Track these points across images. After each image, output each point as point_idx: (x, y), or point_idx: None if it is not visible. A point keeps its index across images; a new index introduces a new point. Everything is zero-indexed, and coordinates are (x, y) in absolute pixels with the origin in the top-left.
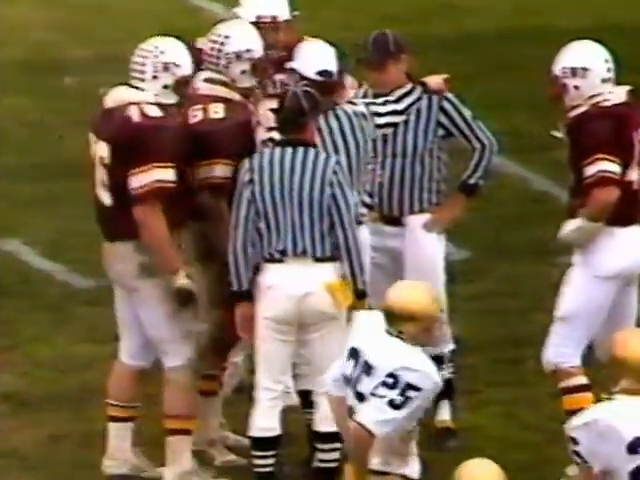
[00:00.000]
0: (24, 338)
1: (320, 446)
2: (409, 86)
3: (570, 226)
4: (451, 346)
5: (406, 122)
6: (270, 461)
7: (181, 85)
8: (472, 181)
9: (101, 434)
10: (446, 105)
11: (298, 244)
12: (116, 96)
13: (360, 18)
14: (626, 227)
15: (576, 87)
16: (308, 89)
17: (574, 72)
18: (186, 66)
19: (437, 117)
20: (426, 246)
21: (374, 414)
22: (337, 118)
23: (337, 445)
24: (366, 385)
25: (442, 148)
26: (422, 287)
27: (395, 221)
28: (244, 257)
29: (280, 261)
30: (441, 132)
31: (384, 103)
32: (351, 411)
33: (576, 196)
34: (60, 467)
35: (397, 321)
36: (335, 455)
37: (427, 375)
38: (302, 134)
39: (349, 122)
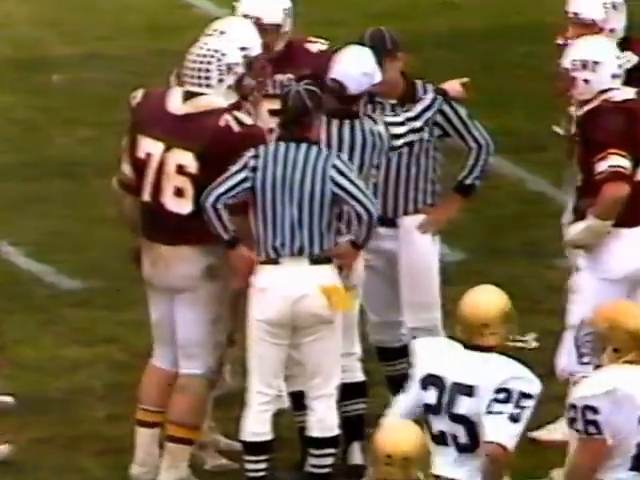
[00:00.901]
0: (10, 340)
1: (313, 451)
2: (430, 98)
3: (578, 227)
4: None
5: None
6: (262, 466)
7: (240, 84)
8: (468, 182)
9: (88, 437)
10: (442, 104)
11: (295, 240)
12: (198, 103)
13: (349, 15)
14: (634, 228)
15: (586, 81)
16: (311, 87)
17: (585, 65)
18: (241, 64)
19: (433, 117)
20: (421, 247)
21: (503, 430)
22: (352, 130)
23: (331, 450)
24: (470, 406)
25: (437, 148)
26: (494, 289)
27: (389, 222)
28: (222, 209)
29: (275, 262)
30: (437, 132)
31: (403, 123)
32: (444, 437)
33: (584, 196)
34: (46, 471)
35: (493, 327)
36: (328, 461)
37: (532, 379)
38: (307, 133)
39: (362, 138)
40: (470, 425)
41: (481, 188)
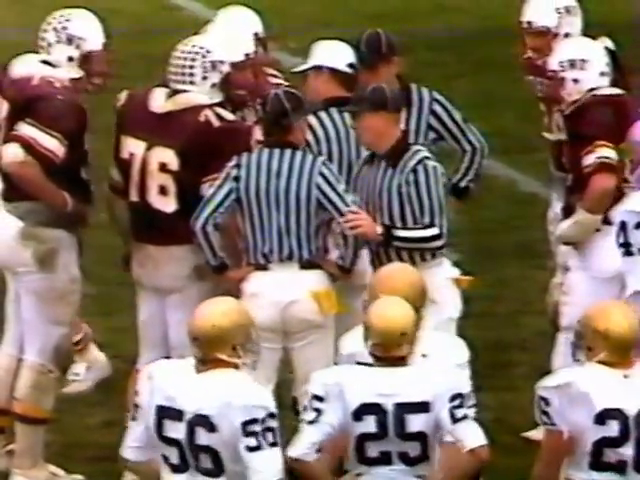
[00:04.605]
0: None
1: None
2: None
3: (568, 222)
4: None
5: None
6: None
7: (225, 82)
8: (463, 184)
9: (81, 444)
10: (437, 108)
11: (284, 247)
12: (179, 100)
13: (342, 16)
14: None
15: (575, 80)
16: (290, 90)
17: (573, 64)
18: (227, 63)
19: (428, 120)
20: None
21: (476, 432)
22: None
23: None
24: (426, 422)
25: (432, 151)
26: (398, 298)
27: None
28: (212, 232)
29: (264, 268)
30: (432, 135)
31: None
32: (388, 456)
33: (574, 193)
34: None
35: (410, 335)
36: None
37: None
38: (287, 136)
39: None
40: (425, 439)
41: (472, 189)
